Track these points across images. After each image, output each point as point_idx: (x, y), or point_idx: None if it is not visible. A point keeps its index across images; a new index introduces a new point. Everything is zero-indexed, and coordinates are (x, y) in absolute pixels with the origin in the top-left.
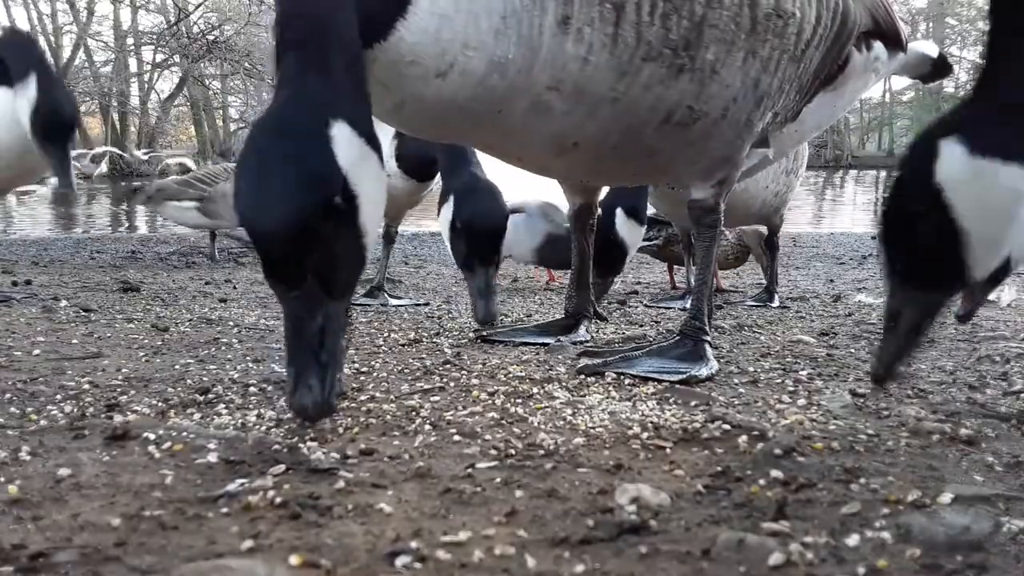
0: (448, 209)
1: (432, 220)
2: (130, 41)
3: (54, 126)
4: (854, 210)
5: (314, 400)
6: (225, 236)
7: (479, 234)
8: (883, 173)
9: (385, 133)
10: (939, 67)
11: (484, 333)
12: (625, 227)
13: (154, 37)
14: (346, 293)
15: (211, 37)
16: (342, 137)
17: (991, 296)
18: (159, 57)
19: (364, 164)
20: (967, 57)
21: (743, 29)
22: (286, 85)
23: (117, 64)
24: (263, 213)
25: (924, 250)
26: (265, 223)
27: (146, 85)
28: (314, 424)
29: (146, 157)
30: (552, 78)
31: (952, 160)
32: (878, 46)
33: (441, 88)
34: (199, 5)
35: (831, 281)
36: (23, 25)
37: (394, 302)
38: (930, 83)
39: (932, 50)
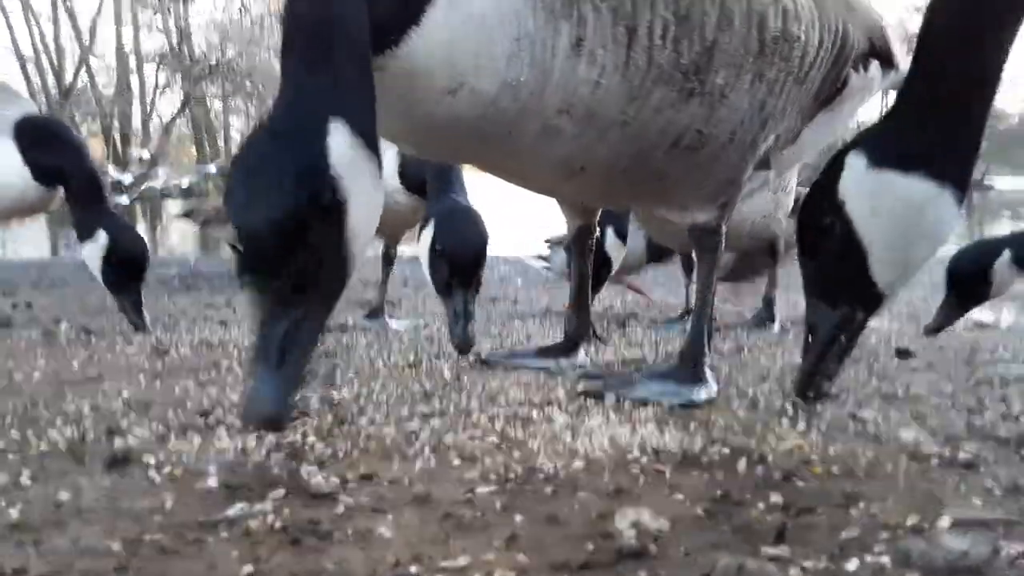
0: (428, 233)
1: None
2: (132, 62)
3: (129, 272)
4: None
5: (263, 409)
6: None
7: (459, 258)
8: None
9: (387, 147)
10: None
11: (483, 356)
12: (614, 247)
13: (156, 58)
14: (322, 301)
15: (213, 59)
16: (338, 137)
17: (989, 319)
18: (161, 78)
19: (360, 168)
20: None
21: (751, 52)
22: (287, 83)
23: (119, 85)
24: (246, 208)
25: (830, 263)
26: (247, 218)
27: (148, 106)
28: (271, 431)
29: (133, 178)
30: (563, 101)
31: (853, 172)
32: (874, 65)
33: (451, 106)
34: (200, 27)
35: None
36: (26, 48)
37: (394, 324)
38: None
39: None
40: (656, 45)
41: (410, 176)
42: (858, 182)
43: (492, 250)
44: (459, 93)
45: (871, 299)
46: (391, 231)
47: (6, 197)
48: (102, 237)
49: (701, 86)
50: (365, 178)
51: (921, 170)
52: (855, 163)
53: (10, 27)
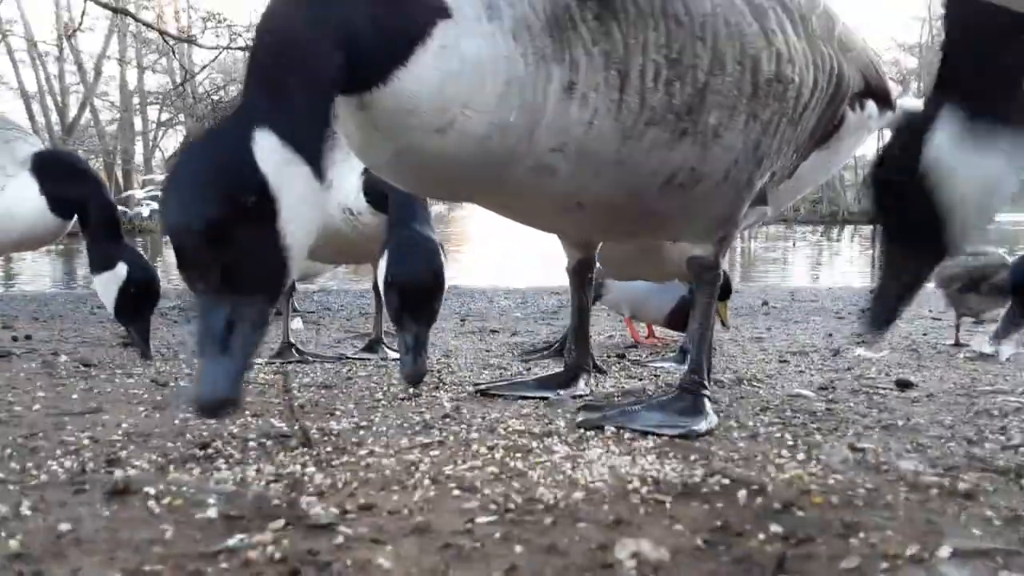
0: (383, 263)
1: None
2: (136, 101)
3: (143, 303)
4: (851, 264)
5: (212, 393)
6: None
7: (410, 291)
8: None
9: (351, 169)
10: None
11: (483, 387)
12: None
13: (159, 97)
14: (261, 293)
15: (216, 97)
16: (266, 143)
17: (989, 350)
18: (164, 116)
19: (290, 172)
20: None
21: (744, 94)
22: (239, 100)
23: (122, 123)
24: (176, 208)
25: (916, 209)
26: (176, 215)
27: (151, 143)
28: (214, 418)
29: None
30: (556, 141)
31: (949, 127)
32: (870, 104)
33: (440, 144)
34: (205, 67)
35: (830, 335)
36: (31, 85)
37: (393, 355)
38: None
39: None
40: (648, 88)
41: (376, 194)
42: (954, 137)
43: (493, 283)
44: (448, 133)
45: (949, 247)
46: (367, 254)
47: (20, 227)
48: (122, 269)
49: (694, 126)
50: (297, 180)
51: (1008, 129)
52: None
53: (15, 65)
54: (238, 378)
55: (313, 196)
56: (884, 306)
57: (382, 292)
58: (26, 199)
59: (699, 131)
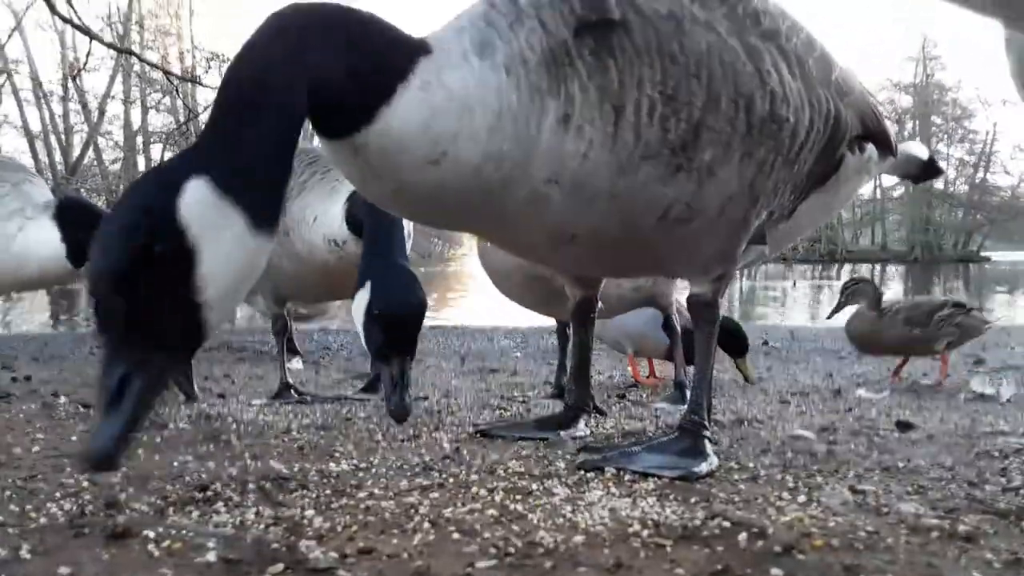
0: (364, 294)
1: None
2: (140, 140)
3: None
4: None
5: (94, 449)
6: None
7: (396, 323)
8: (877, 267)
9: (334, 200)
10: (928, 168)
11: (483, 428)
12: None
13: (163, 136)
14: (166, 351)
15: None
16: (194, 192)
17: (991, 390)
18: (168, 155)
19: (216, 222)
20: (953, 154)
21: (739, 132)
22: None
23: (126, 162)
24: (94, 249)
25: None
26: (92, 259)
27: None
28: (97, 473)
29: None
30: (551, 172)
31: (196, 193)
32: (870, 148)
33: (437, 175)
34: (208, 106)
35: (830, 375)
36: (35, 124)
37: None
38: (920, 183)
39: (922, 152)
40: (643, 122)
41: (358, 223)
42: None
43: (493, 322)
44: (442, 163)
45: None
46: (343, 284)
47: (32, 270)
48: None
49: (689, 162)
50: (225, 231)
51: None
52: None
53: (20, 104)
54: (121, 437)
55: (245, 248)
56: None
57: (360, 325)
58: (45, 243)
59: (694, 167)
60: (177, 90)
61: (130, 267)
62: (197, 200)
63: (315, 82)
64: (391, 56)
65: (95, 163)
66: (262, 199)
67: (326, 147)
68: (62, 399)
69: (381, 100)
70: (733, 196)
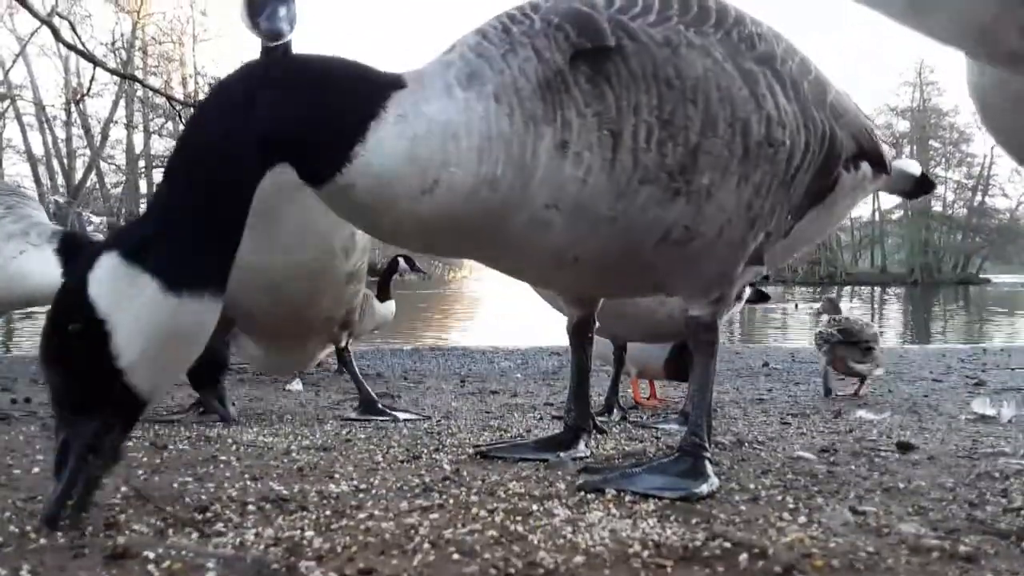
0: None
1: (430, 335)
2: (141, 164)
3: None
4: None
5: (43, 511)
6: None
7: None
8: (877, 289)
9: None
10: (922, 184)
11: (483, 449)
12: None
13: (165, 160)
14: (102, 415)
15: None
16: (104, 266)
17: (991, 412)
18: None
19: (125, 291)
20: (952, 177)
21: (736, 156)
22: None
23: (128, 186)
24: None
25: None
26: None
27: None
28: (49, 532)
29: None
30: (551, 196)
31: (105, 269)
32: (864, 166)
33: (433, 203)
34: None
35: (831, 396)
36: (38, 149)
37: (402, 416)
38: (915, 199)
39: (915, 168)
40: (641, 147)
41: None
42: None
43: (493, 343)
44: (436, 191)
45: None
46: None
47: (24, 292)
48: None
49: (687, 186)
50: (135, 298)
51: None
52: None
53: (23, 129)
54: (59, 501)
55: (161, 311)
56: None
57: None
58: (42, 272)
59: (692, 190)
60: (180, 115)
61: (51, 345)
62: (105, 272)
63: (274, 136)
64: (358, 95)
65: (97, 187)
66: (175, 261)
67: (319, 197)
68: None
69: (354, 139)
70: (731, 218)
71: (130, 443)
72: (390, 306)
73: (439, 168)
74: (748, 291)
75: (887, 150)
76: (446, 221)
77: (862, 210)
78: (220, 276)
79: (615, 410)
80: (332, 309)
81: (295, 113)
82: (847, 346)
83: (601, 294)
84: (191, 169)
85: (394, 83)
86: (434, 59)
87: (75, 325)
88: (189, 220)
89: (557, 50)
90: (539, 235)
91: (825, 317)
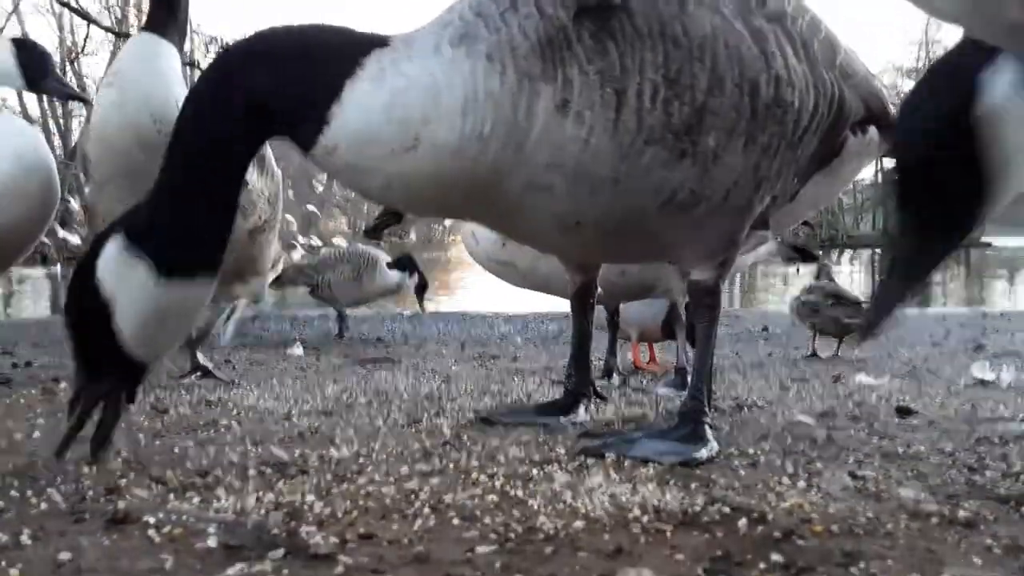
0: None
1: (430, 299)
2: None
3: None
4: (851, 287)
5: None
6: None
7: None
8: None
9: None
10: None
11: (484, 415)
12: None
13: None
14: (107, 378)
15: None
16: (110, 249)
17: (991, 376)
18: None
19: (123, 273)
20: None
21: (743, 116)
22: None
23: None
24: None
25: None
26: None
27: None
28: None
29: None
30: (551, 157)
31: (109, 253)
32: (872, 130)
33: (417, 161)
34: None
35: (830, 360)
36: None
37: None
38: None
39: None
40: (646, 107)
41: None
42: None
43: (493, 308)
44: (419, 148)
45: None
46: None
47: None
48: None
49: (693, 147)
50: (130, 280)
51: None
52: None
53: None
54: (65, 440)
55: (152, 295)
56: (901, 286)
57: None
58: None
59: (698, 152)
60: None
61: (69, 314)
62: (110, 256)
63: (259, 106)
64: (334, 58)
65: None
66: (166, 246)
67: (315, 164)
68: (62, 384)
69: (331, 99)
70: (738, 181)
71: (131, 407)
72: (395, 276)
73: (419, 124)
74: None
75: (895, 113)
76: (434, 180)
77: (865, 172)
78: (212, 257)
79: (614, 374)
80: (238, 264)
81: (277, 81)
82: (842, 306)
83: (604, 260)
84: (183, 150)
85: (376, 43)
86: (435, 17)
87: (89, 305)
88: (180, 203)
89: (560, 6)
90: (539, 198)
91: (803, 286)
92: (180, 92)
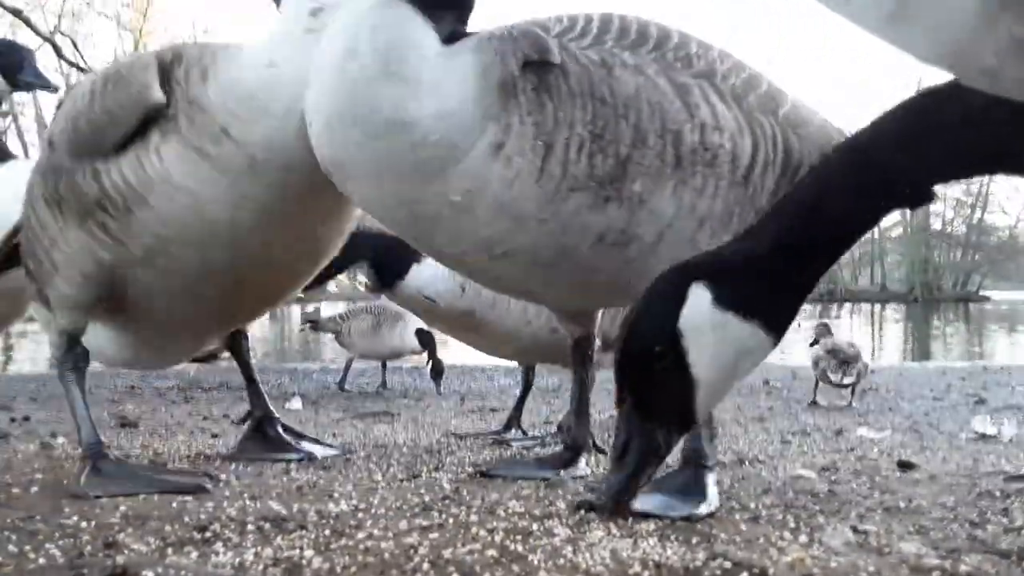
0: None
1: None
2: None
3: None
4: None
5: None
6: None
7: None
8: (877, 307)
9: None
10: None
11: (483, 468)
12: None
13: None
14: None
15: None
16: (699, 300)
17: (992, 430)
18: None
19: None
20: (951, 195)
21: (668, 164)
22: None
23: None
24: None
25: (657, 386)
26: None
27: None
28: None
29: None
30: (472, 185)
31: (697, 307)
32: None
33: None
34: None
35: (832, 414)
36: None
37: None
38: (914, 209)
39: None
40: (571, 159)
41: None
42: (701, 317)
43: (492, 360)
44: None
45: (687, 422)
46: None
47: None
48: None
49: (618, 193)
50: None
51: (760, 319)
52: (700, 298)
53: (25, 148)
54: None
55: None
56: (626, 478)
57: None
58: None
59: (624, 197)
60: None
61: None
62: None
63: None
64: None
65: None
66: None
67: None
68: (60, 439)
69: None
70: (672, 223)
71: (131, 460)
72: (415, 342)
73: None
74: None
75: None
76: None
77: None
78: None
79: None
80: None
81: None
82: (832, 362)
83: (560, 302)
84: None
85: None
86: None
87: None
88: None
89: (512, 56)
90: (463, 219)
91: (821, 341)
92: None
